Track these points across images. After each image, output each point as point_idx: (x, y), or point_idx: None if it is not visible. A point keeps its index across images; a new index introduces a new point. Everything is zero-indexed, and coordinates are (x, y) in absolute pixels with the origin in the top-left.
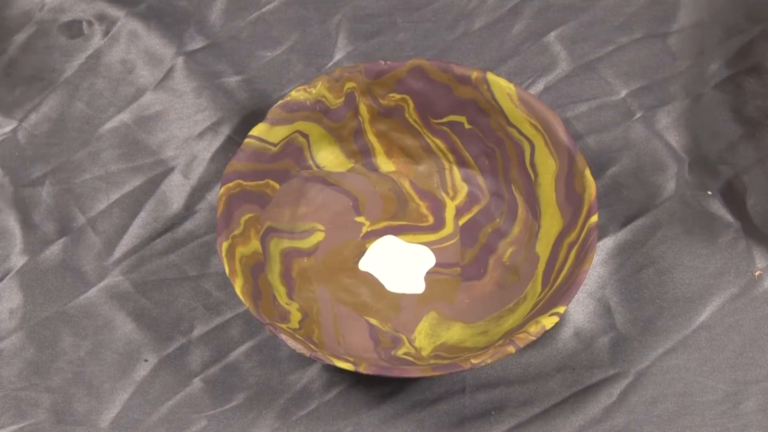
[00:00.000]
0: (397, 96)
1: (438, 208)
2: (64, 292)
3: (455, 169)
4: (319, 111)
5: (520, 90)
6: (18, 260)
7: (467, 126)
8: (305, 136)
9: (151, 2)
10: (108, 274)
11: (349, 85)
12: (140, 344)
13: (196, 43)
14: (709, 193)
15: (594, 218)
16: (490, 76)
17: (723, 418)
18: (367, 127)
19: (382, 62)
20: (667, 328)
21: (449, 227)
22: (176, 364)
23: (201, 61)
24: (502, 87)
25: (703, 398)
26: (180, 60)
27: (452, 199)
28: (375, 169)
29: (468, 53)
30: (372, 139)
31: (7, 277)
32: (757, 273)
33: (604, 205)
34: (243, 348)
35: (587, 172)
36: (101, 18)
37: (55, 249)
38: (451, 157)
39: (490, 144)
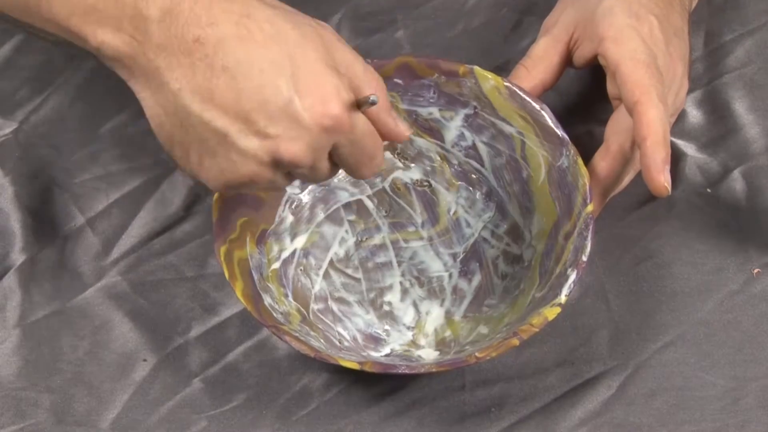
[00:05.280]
0: None
1: (431, 204)
2: (63, 292)
3: (446, 165)
4: None
5: (508, 83)
6: (17, 259)
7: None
8: None
9: None
10: (106, 274)
11: None
12: (138, 345)
13: None
14: (708, 190)
15: (589, 207)
16: (477, 71)
17: (722, 413)
18: None
19: (369, 60)
20: (666, 322)
21: (443, 223)
22: (175, 365)
23: None
24: (489, 81)
25: (703, 393)
26: None
27: (445, 194)
28: None
29: (468, 51)
30: None
31: (6, 276)
32: (755, 271)
33: None
34: (241, 348)
35: (580, 162)
36: None
37: (54, 249)
38: (441, 153)
39: (481, 138)
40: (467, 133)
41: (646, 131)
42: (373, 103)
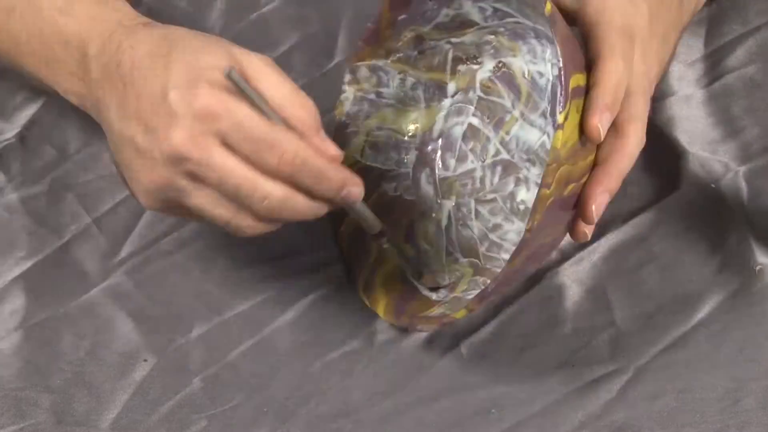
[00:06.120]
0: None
1: (510, 80)
2: (68, 292)
3: (500, 37)
4: None
5: None
6: (22, 262)
7: None
8: None
9: (151, 3)
10: (112, 274)
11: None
12: (139, 344)
13: None
14: (713, 186)
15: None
16: None
17: (723, 414)
18: None
19: (370, 24)
20: (667, 324)
21: (524, 90)
22: (175, 365)
23: None
24: None
25: (703, 395)
26: None
27: (514, 62)
28: None
29: None
30: None
31: (11, 278)
32: (757, 268)
33: None
34: (242, 348)
35: None
36: None
37: (60, 249)
38: (488, 30)
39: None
40: (481, 4)
41: (598, 77)
42: (229, 78)
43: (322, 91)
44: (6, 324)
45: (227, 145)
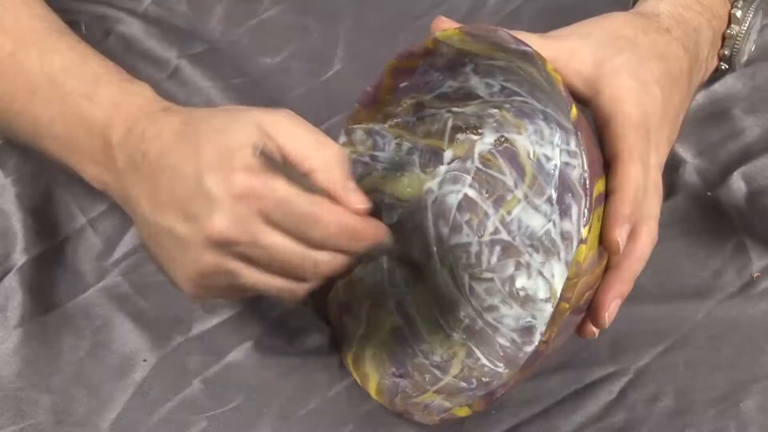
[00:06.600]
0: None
1: (513, 158)
2: (64, 292)
3: (505, 112)
4: None
5: (461, 28)
6: (19, 260)
7: None
8: None
9: (151, 10)
10: (107, 275)
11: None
12: (139, 345)
13: (196, 49)
14: (709, 194)
15: (573, 111)
16: (440, 35)
17: (723, 416)
18: None
19: (370, 88)
20: (666, 326)
21: (528, 171)
22: (175, 365)
23: (201, 67)
24: (453, 37)
25: (703, 396)
26: (180, 64)
27: (519, 139)
28: None
29: None
30: None
31: (8, 277)
32: (755, 275)
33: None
34: (241, 348)
35: (549, 68)
36: (101, 19)
37: (55, 249)
38: (493, 104)
39: (499, 79)
40: (489, 80)
41: (617, 184)
42: (261, 154)
43: (321, 99)
44: (5, 322)
45: (270, 222)
